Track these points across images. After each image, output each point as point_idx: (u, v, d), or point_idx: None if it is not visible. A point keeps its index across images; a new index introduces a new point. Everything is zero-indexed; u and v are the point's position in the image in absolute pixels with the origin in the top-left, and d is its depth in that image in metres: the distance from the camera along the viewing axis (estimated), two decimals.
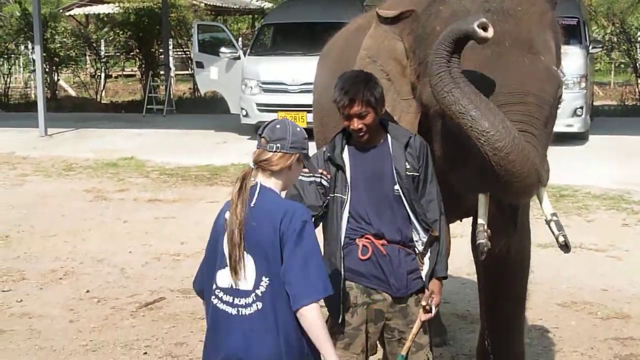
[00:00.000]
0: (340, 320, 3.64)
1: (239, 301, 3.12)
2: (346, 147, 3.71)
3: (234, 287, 3.12)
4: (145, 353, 5.52)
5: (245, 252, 3.08)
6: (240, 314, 3.12)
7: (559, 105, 3.69)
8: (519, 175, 3.28)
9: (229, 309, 3.14)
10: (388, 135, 3.71)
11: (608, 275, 7.05)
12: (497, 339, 4.45)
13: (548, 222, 3.55)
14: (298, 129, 3.24)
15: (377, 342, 3.81)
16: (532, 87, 3.41)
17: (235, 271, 3.09)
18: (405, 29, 3.88)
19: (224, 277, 3.15)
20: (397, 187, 3.64)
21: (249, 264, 3.09)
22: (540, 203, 3.57)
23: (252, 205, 3.11)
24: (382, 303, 3.68)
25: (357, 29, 5.29)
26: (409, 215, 3.67)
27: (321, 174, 3.65)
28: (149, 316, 6.20)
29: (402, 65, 3.92)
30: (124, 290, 6.81)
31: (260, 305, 3.09)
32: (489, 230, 3.50)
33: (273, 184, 3.20)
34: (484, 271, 4.37)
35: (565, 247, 3.49)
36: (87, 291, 6.75)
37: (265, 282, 3.09)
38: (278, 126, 3.21)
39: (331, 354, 3.08)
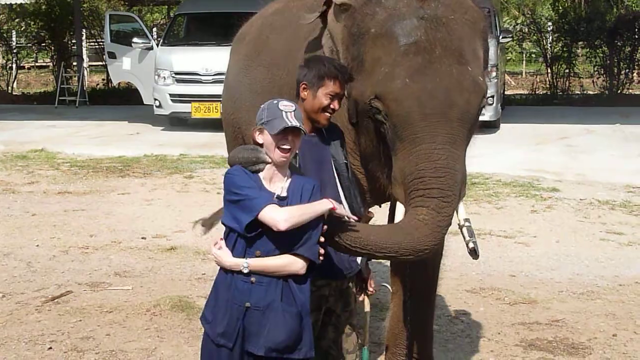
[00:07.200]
0: None
1: None
2: None
3: None
4: (50, 348, 5.39)
5: None
6: None
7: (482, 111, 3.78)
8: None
9: None
10: None
11: (516, 261, 7.16)
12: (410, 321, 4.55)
13: (461, 227, 3.61)
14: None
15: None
16: (457, 99, 3.47)
17: None
18: (344, 19, 3.79)
19: None
20: (335, 173, 3.68)
21: None
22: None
23: None
24: (325, 288, 3.74)
25: (273, 13, 5.19)
26: (341, 202, 3.67)
27: None
28: (55, 310, 6.06)
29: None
30: (30, 284, 6.66)
31: None
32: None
33: None
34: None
35: (474, 253, 3.56)
36: None
37: None
38: None
39: None
